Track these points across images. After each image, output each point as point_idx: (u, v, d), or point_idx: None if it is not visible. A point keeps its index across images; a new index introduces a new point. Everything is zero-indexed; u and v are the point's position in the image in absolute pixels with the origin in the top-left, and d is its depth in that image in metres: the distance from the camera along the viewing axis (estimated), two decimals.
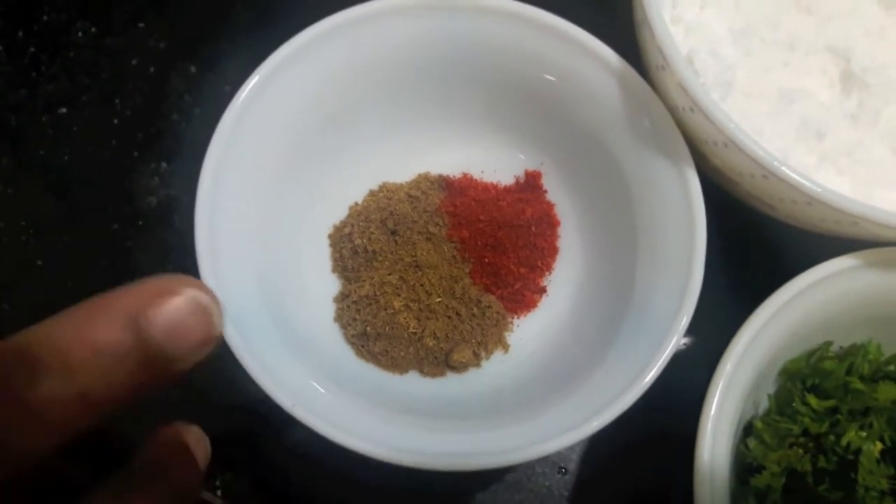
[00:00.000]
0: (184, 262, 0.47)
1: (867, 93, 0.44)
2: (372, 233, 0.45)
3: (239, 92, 0.40)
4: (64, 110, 0.53)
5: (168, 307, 0.23)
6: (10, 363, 0.21)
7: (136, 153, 0.52)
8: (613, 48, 0.42)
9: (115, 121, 0.53)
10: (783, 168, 0.36)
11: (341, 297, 0.44)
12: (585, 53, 0.42)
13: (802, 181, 0.36)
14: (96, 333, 0.22)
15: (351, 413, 0.37)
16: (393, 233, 0.45)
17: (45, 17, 0.55)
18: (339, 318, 0.44)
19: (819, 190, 0.36)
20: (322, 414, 0.35)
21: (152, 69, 0.54)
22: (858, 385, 0.39)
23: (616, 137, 0.43)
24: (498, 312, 0.45)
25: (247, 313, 0.38)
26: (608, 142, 0.43)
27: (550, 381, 0.42)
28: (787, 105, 0.44)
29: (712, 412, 0.37)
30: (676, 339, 0.38)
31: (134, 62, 0.54)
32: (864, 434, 0.38)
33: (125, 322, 0.22)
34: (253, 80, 0.41)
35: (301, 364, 0.39)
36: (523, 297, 0.46)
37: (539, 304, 0.46)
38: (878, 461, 0.37)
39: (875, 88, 0.44)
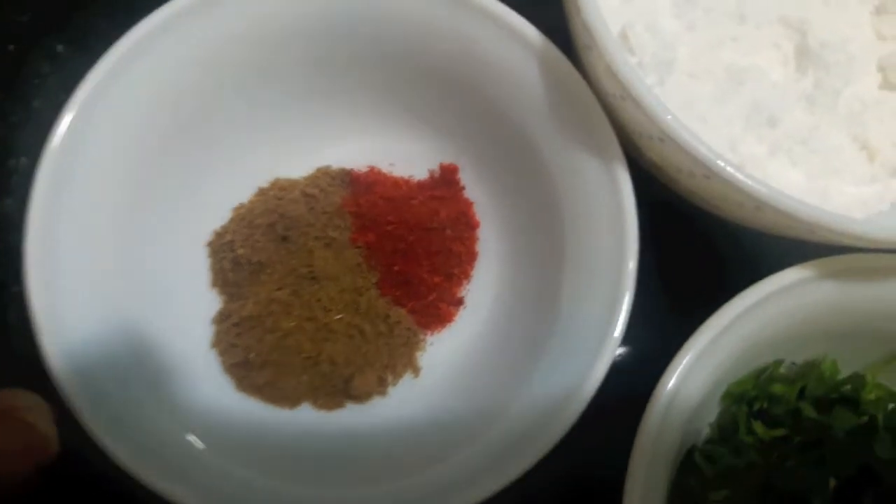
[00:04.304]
0: None
1: (824, 72, 0.39)
2: (257, 240, 0.38)
3: (78, 89, 0.33)
4: None
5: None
6: None
7: None
8: (540, 24, 0.36)
9: None
10: (727, 168, 0.31)
11: (220, 318, 0.38)
12: (502, 29, 0.36)
13: (749, 183, 0.31)
14: None
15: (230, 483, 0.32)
16: (284, 239, 0.39)
17: None
18: (217, 343, 0.38)
19: (766, 192, 0.31)
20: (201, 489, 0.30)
21: (11, 47, 0.47)
22: (811, 413, 0.34)
23: (540, 128, 0.37)
24: (408, 329, 0.39)
25: (98, 359, 0.32)
26: (531, 132, 0.38)
27: (467, 412, 0.37)
28: (736, 87, 0.38)
29: (645, 453, 0.33)
30: (606, 362, 0.34)
31: None
32: (816, 471, 0.33)
33: None
34: (96, 72, 0.34)
35: (171, 413, 0.33)
36: (438, 310, 0.40)
37: (456, 318, 0.41)
38: (831, 501, 0.33)
39: (833, 67, 0.39)
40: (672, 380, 0.34)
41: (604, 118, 0.34)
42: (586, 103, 0.35)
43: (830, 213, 0.31)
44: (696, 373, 0.34)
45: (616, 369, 0.35)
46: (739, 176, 0.31)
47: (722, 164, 0.31)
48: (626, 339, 0.35)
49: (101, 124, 0.34)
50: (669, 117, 0.31)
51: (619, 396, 0.35)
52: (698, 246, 0.43)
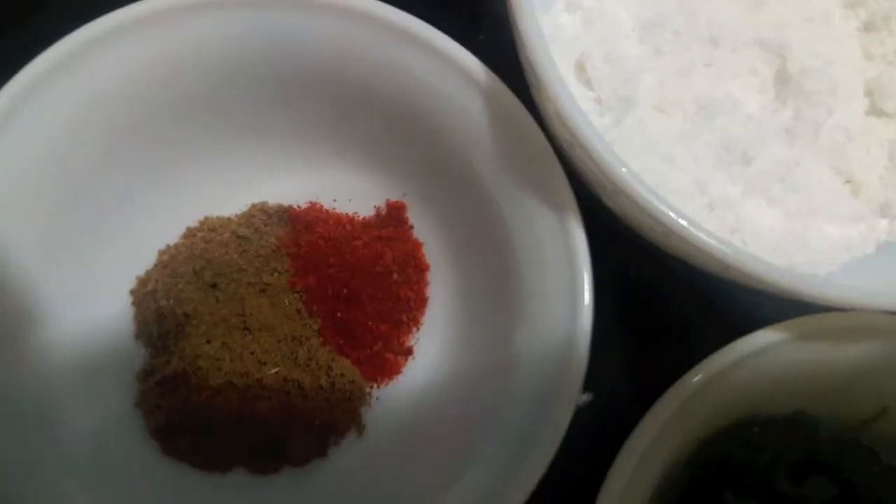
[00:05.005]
0: None
1: (805, 101, 0.35)
2: (182, 290, 0.35)
3: None
4: None
5: None
6: None
7: None
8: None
9: None
10: (689, 228, 0.27)
11: (143, 376, 0.35)
12: (446, 64, 0.33)
13: (712, 243, 0.27)
14: None
15: None
16: (213, 287, 0.35)
17: None
18: (141, 403, 0.35)
19: (731, 254, 0.27)
20: None
21: None
22: (784, 486, 0.31)
23: (490, 168, 0.34)
24: (352, 382, 0.36)
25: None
26: (481, 171, 0.34)
27: (418, 475, 0.34)
28: (706, 120, 0.35)
29: None
30: (566, 418, 0.31)
31: None
32: None
33: None
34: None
35: (87, 488, 0.30)
36: (384, 360, 0.37)
37: (403, 370, 0.37)
38: None
39: (815, 96, 0.35)
40: (631, 457, 0.30)
41: (556, 163, 0.31)
42: (538, 148, 0.31)
43: (801, 276, 0.28)
44: (659, 443, 0.31)
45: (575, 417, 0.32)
46: (702, 236, 0.27)
47: (684, 223, 0.27)
48: (588, 383, 0.32)
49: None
50: (624, 170, 0.27)
51: (579, 447, 0.32)
52: (670, 289, 0.39)
